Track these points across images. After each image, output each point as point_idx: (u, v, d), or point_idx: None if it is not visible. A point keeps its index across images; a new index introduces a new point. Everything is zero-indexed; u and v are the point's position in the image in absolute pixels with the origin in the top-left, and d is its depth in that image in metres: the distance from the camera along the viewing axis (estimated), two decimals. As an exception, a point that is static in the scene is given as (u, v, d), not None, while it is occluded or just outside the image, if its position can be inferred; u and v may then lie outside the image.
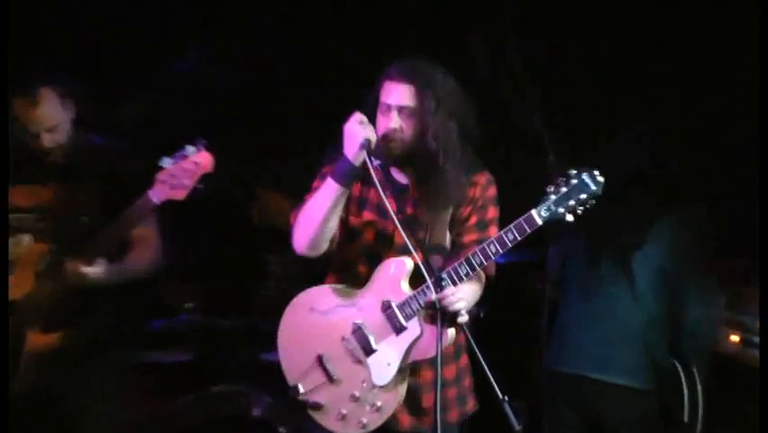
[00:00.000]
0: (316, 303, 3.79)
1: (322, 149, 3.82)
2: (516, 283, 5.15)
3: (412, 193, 3.82)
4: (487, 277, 3.87)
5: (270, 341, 3.90)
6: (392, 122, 3.67)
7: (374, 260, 3.78)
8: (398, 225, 3.54)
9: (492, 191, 3.90)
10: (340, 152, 3.68)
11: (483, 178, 3.88)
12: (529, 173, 4.60)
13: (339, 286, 3.81)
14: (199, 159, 3.92)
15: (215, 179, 3.89)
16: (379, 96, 3.70)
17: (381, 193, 3.59)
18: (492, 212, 3.90)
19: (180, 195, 3.94)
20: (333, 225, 3.74)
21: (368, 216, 3.83)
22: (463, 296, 3.59)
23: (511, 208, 3.75)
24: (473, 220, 3.87)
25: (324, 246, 3.77)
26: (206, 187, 3.90)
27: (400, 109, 3.68)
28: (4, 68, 4.12)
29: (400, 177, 3.85)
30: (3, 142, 4.09)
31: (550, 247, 4.80)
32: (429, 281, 3.54)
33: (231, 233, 5.65)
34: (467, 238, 3.87)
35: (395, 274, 3.75)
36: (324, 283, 3.87)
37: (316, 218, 3.70)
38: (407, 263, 3.73)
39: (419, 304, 3.66)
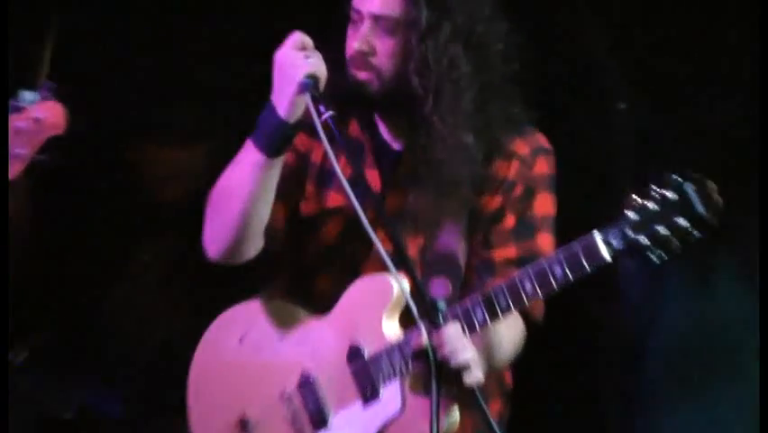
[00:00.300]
0: (249, 330, 3.29)
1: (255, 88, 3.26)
2: (562, 308, 3.70)
3: (408, 167, 3.28)
4: (527, 322, 3.21)
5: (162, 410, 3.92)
6: (360, 39, 3.15)
7: (345, 272, 3.24)
8: (364, 221, 2.89)
9: (543, 167, 3.19)
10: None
11: (526, 145, 3.18)
12: (586, 131, 4.28)
13: (289, 305, 3.29)
14: (42, 113, 3.26)
15: (69, 145, 3.27)
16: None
17: (334, 163, 2.98)
18: (543, 205, 3.18)
19: (12, 169, 3.34)
20: (262, 218, 3.20)
21: (333, 200, 3.28)
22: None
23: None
24: (510, 221, 3.18)
25: (251, 250, 3.23)
26: (55, 156, 3.27)
27: (376, 20, 3.13)
28: (4, 67, 4.15)
29: (392, 139, 3.28)
30: (2, 141, 3.63)
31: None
32: (420, 323, 2.90)
33: (91, 222, 4.98)
34: (499, 253, 3.17)
35: (373, 303, 3.14)
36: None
37: (232, 207, 3.18)
38: (394, 286, 3.07)
39: (405, 359, 3.04)
